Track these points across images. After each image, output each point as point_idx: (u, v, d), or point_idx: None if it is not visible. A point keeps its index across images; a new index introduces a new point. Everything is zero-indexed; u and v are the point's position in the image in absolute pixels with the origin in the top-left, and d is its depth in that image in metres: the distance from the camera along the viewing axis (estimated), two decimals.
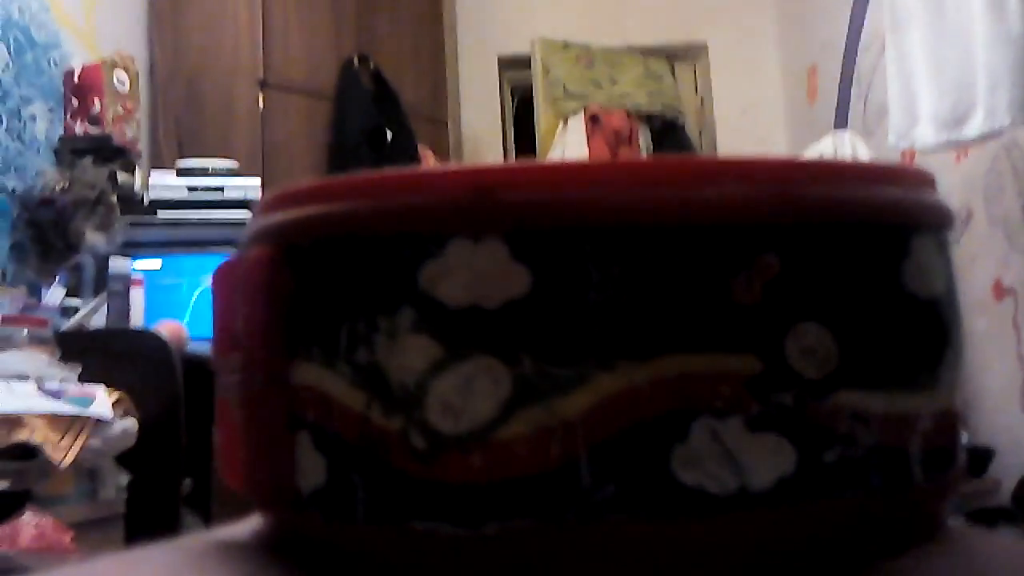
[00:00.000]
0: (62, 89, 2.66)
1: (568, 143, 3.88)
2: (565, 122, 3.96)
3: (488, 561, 0.25)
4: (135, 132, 2.81)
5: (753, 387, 0.25)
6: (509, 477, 0.24)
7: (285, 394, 0.27)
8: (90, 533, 1.56)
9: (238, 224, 2.48)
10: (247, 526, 0.31)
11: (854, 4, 3.36)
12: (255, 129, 3.16)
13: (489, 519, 0.24)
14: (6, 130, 2.41)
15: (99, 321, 2.22)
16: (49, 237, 2.32)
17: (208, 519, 1.85)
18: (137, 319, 2.27)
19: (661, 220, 0.25)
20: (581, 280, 0.24)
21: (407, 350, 0.25)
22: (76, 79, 2.67)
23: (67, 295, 2.25)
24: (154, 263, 2.50)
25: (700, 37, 4.23)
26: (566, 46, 4.04)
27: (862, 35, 3.32)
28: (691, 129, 4.23)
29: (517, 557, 0.24)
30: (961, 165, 2.71)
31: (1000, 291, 2.62)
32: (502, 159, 4.15)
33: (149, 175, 2.71)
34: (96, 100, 2.65)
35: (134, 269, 2.32)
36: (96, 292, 2.31)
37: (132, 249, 2.43)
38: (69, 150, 2.51)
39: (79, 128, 2.64)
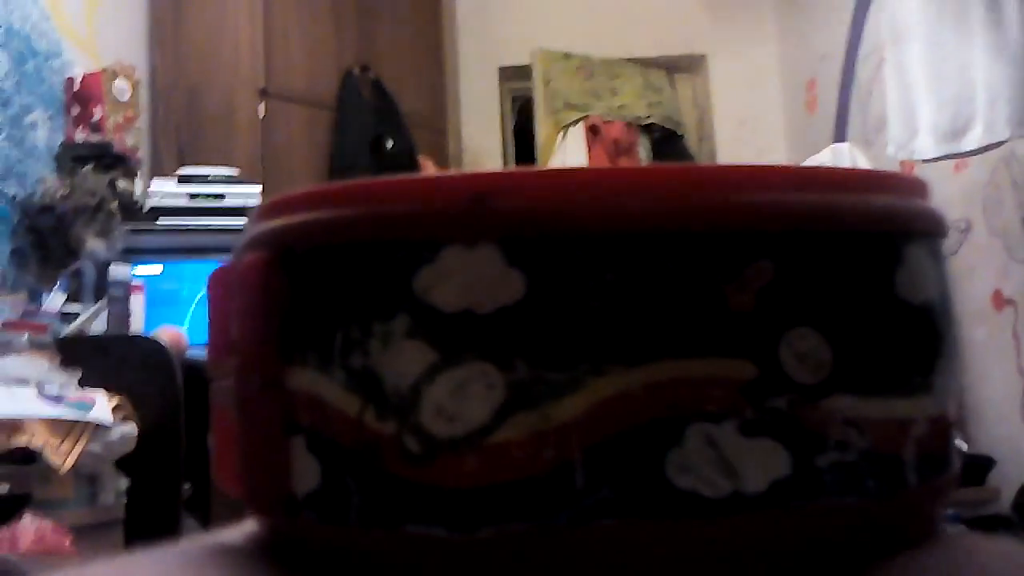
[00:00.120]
0: (63, 97, 2.67)
1: (568, 154, 3.89)
2: (565, 133, 3.97)
3: (482, 565, 0.25)
4: (136, 140, 2.81)
5: (747, 392, 0.25)
6: (503, 481, 0.24)
7: (280, 399, 0.27)
8: (89, 537, 1.56)
9: (238, 231, 2.47)
10: (242, 530, 0.31)
11: (853, 16, 3.37)
12: (256, 138, 3.16)
13: (483, 523, 0.24)
14: (7, 137, 2.42)
15: (99, 327, 2.22)
16: (49, 243, 2.32)
17: (207, 524, 1.84)
18: (137, 325, 2.27)
19: (655, 226, 0.25)
20: (575, 286, 0.24)
21: (402, 355, 0.25)
22: (77, 87, 2.67)
23: (67, 301, 2.25)
24: (154, 269, 2.50)
25: (700, 49, 4.25)
26: (566, 57, 4.05)
27: (861, 47, 3.33)
28: (690, 141, 4.24)
29: (511, 561, 0.25)
30: (960, 176, 2.72)
31: (1000, 301, 2.62)
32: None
33: (150, 183, 2.71)
34: (97, 108, 2.65)
35: (134, 275, 2.33)
36: (96, 298, 2.31)
37: (132, 255, 2.44)
38: (70, 157, 2.51)
39: (80, 136, 2.64)
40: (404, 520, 0.25)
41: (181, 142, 3.11)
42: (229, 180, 2.74)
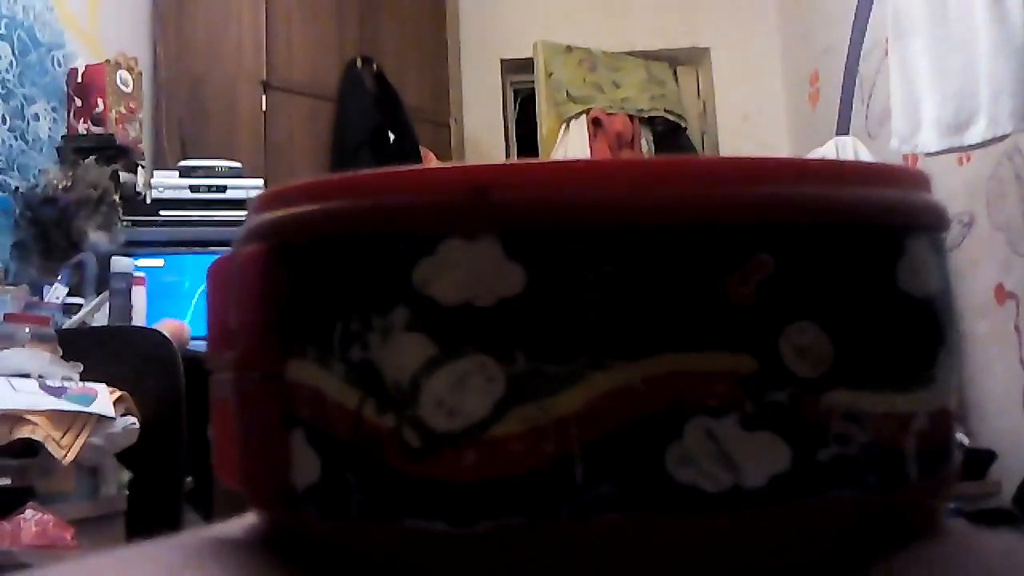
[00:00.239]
0: (65, 89, 2.67)
1: (570, 146, 3.89)
2: (567, 125, 3.96)
3: (481, 559, 0.25)
4: (138, 132, 2.81)
5: (748, 386, 0.25)
6: (502, 475, 0.24)
7: (279, 392, 0.27)
8: (91, 530, 1.56)
9: (240, 224, 2.48)
10: (243, 523, 0.31)
11: (857, 9, 3.36)
12: (258, 130, 3.16)
13: (482, 517, 0.24)
14: (9, 129, 2.42)
15: (101, 319, 2.23)
16: (52, 236, 2.32)
17: (209, 517, 1.85)
18: (139, 318, 2.27)
19: (656, 219, 0.25)
20: (575, 279, 0.24)
21: (401, 348, 0.25)
22: (80, 79, 2.67)
23: (69, 293, 2.25)
24: (156, 262, 2.51)
25: (703, 42, 4.24)
26: (569, 49, 4.05)
27: (864, 41, 3.32)
28: (693, 134, 4.23)
29: (510, 555, 0.25)
30: (963, 170, 2.71)
31: (1002, 295, 2.61)
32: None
33: (152, 175, 2.71)
34: (99, 100, 2.65)
35: (136, 268, 2.33)
36: (98, 291, 2.32)
37: (134, 248, 2.44)
38: (72, 149, 2.51)
39: (82, 128, 2.64)
40: (404, 514, 0.25)
41: (183, 134, 3.11)
42: (231, 172, 2.74)
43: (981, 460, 2.53)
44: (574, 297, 0.24)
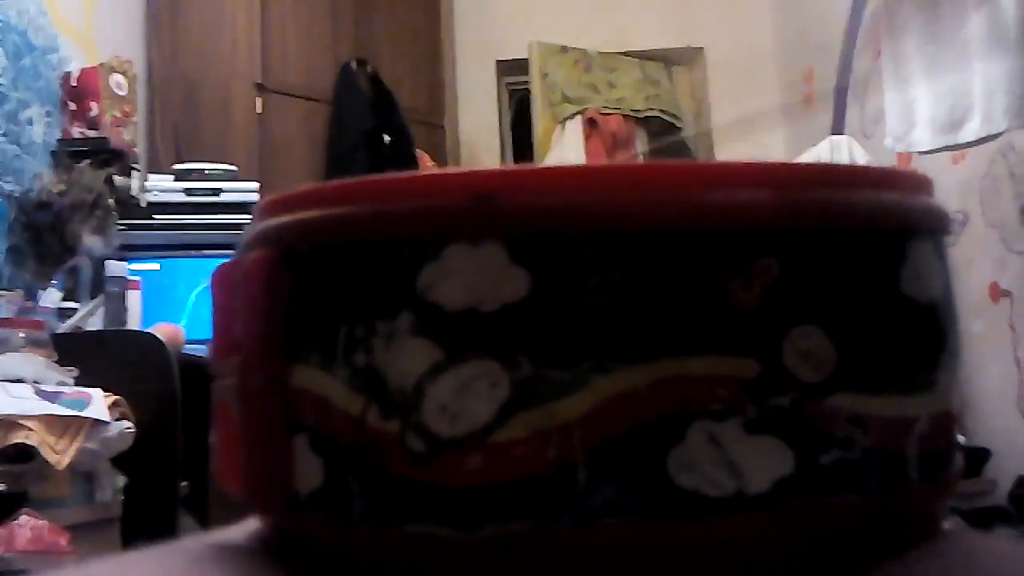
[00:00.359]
0: (60, 93, 2.66)
1: (566, 147, 3.89)
2: (563, 126, 3.96)
3: (485, 564, 0.25)
4: (132, 136, 2.81)
5: (750, 390, 0.25)
6: (506, 480, 0.24)
7: (283, 397, 0.27)
8: (87, 536, 1.56)
9: (236, 227, 2.48)
10: (244, 529, 0.31)
11: (851, 9, 3.36)
12: (253, 133, 3.16)
13: (486, 522, 0.24)
14: (3, 133, 2.41)
15: (96, 323, 2.22)
16: (46, 240, 2.32)
17: (205, 522, 1.84)
18: (134, 322, 2.27)
19: (660, 224, 0.25)
20: (579, 284, 0.24)
21: (405, 353, 0.25)
22: (74, 83, 2.66)
23: (64, 298, 2.25)
24: (151, 266, 2.50)
25: (697, 42, 4.24)
26: (564, 50, 4.05)
27: (858, 40, 3.33)
28: (688, 133, 4.23)
29: (514, 560, 0.25)
30: (958, 168, 2.72)
31: (996, 293, 2.62)
32: (499, 163, 4.15)
33: (146, 178, 2.70)
34: (94, 104, 2.65)
35: (131, 272, 2.32)
36: (93, 295, 2.31)
37: (129, 252, 2.43)
38: (66, 153, 2.51)
39: (76, 131, 2.63)
40: (407, 519, 0.25)
41: (178, 137, 3.10)
42: (226, 175, 2.73)
43: (976, 458, 2.54)
44: (578, 302, 0.24)
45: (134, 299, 2.29)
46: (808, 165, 0.27)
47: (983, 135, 2.21)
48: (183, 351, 2.01)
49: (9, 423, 1.51)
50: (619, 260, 0.24)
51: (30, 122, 2.52)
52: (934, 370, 0.27)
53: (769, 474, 0.25)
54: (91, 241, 2.30)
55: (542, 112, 3.95)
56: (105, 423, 1.61)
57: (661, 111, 4.14)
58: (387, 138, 3.36)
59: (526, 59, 3.99)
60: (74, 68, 2.69)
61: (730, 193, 0.25)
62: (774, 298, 0.25)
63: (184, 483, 1.81)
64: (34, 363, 1.69)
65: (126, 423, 1.66)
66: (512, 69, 4.20)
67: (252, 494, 0.28)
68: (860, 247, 0.26)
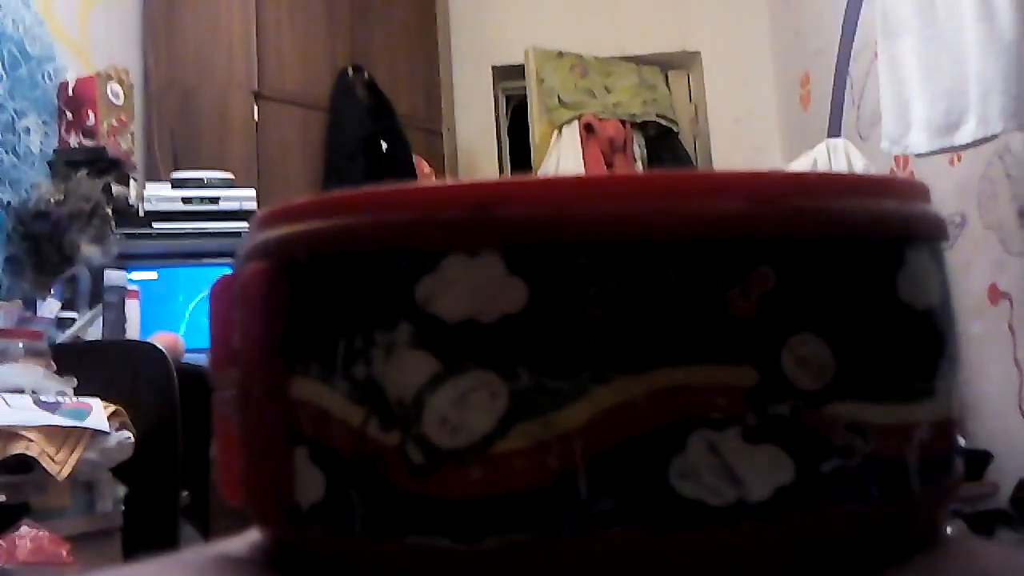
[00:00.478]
0: (56, 102, 2.66)
1: (562, 152, 3.89)
2: (559, 131, 3.97)
3: (486, 575, 0.25)
4: (130, 144, 2.81)
5: (750, 399, 0.25)
6: (507, 491, 0.24)
7: (283, 409, 0.27)
8: (87, 546, 1.55)
9: (233, 235, 2.48)
10: (246, 540, 0.31)
11: (846, 11, 3.37)
12: (250, 140, 3.16)
13: (487, 533, 0.24)
14: (0, 143, 2.41)
15: (95, 333, 2.22)
16: (44, 250, 2.32)
17: (206, 532, 1.84)
18: (133, 331, 2.27)
19: (657, 234, 0.25)
20: (578, 294, 0.24)
21: (404, 365, 0.25)
22: (70, 92, 2.67)
23: (63, 307, 2.24)
24: (150, 275, 2.50)
25: (693, 46, 4.25)
26: (560, 55, 4.05)
27: (854, 42, 3.34)
28: (685, 138, 4.24)
29: (516, 571, 0.25)
30: (955, 170, 2.72)
31: (995, 295, 2.62)
32: (497, 168, 4.15)
33: (144, 187, 2.70)
34: (90, 113, 2.65)
35: (130, 281, 2.32)
36: (92, 304, 2.31)
37: (127, 261, 2.43)
38: (64, 163, 2.51)
39: (74, 141, 2.64)
40: (408, 531, 0.25)
41: (175, 146, 3.10)
42: (223, 183, 2.73)
43: (977, 461, 2.53)
44: (577, 312, 0.24)
45: (133, 308, 2.29)
46: (804, 173, 0.27)
47: (979, 137, 2.21)
48: (182, 360, 2.01)
49: (9, 434, 1.50)
50: (617, 270, 0.24)
51: (27, 132, 2.53)
52: (933, 377, 0.27)
53: (769, 483, 0.25)
54: (89, 250, 2.30)
55: (539, 117, 3.95)
56: (105, 433, 1.60)
57: (658, 115, 4.14)
58: (384, 145, 3.36)
59: (522, 65, 4.00)
60: (70, 77, 2.69)
61: (727, 202, 0.25)
62: (772, 306, 0.25)
63: (185, 493, 1.81)
64: (33, 373, 1.69)
65: (126, 433, 1.66)
66: (508, 75, 4.20)
67: (253, 506, 0.28)
68: (857, 255, 0.26)
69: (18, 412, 1.54)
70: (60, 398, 1.63)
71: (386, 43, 3.67)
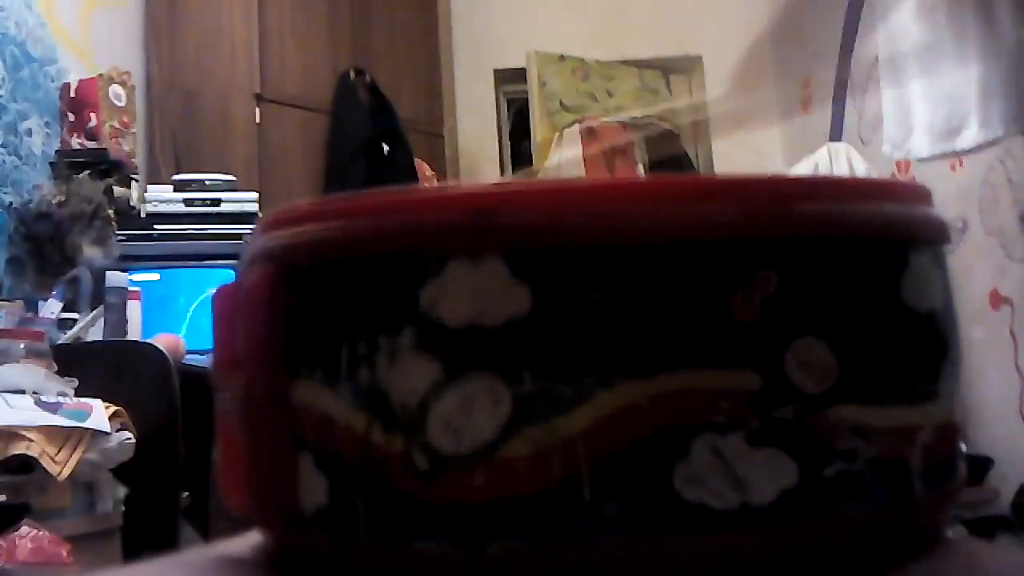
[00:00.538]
0: (58, 104, 2.66)
1: (564, 155, 3.89)
2: (561, 134, 3.97)
3: None
4: (132, 146, 2.81)
5: (753, 402, 0.25)
6: (511, 496, 0.24)
7: (286, 414, 0.27)
8: (88, 547, 1.55)
9: (235, 237, 2.48)
10: (247, 541, 0.31)
11: (847, 16, 3.37)
12: (252, 143, 3.16)
13: (492, 538, 0.24)
14: (2, 145, 2.42)
15: (96, 334, 2.22)
16: (46, 251, 2.32)
17: (206, 533, 1.84)
18: (134, 332, 2.27)
19: (660, 238, 0.25)
20: (581, 298, 0.24)
21: (408, 370, 0.25)
22: (73, 93, 2.67)
23: (64, 309, 2.24)
24: (151, 276, 2.50)
25: (695, 50, 4.25)
26: (562, 59, 4.05)
27: (855, 47, 3.34)
28: (686, 142, 4.24)
29: None
30: (956, 175, 2.72)
31: (997, 300, 2.62)
32: (498, 172, 4.15)
33: (146, 189, 2.71)
34: (92, 114, 2.65)
35: (131, 282, 2.32)
36: (93, 305, 2.31)
37: (129, 262, 2.43)
38: (66, 164, 2.51)
39: (75, 142, 2.64)
40: (412, 536, 0.25)
41: (177, 148, 3.10)
42: (225, 186, 2.74)
43: (978, 467, 2.53)
44: (581, 317, 0.24)
45: (134, 310, 2.29)
46: (807, 177, 0.27)
47: (981, 141, 2.21)
48: (184, 361, 2.01)
49: (10, 434, 1.50)
50: (620, 275, 0.24)
51: (29, 133, 2.53)
52: (935, 380, 0.27)
53: (773, 486, 0.25)
54: (91, 252, 2.30)
55: (540, 121, 3.96)
56: (106, 434, 1.60)
57: (659, 120, 4.14)
58: (386, 147, 3.36)
59: (524, 68, 4.00)
60: (73, 79, 2.70)
61: (729, 206, 0.25)
62: (775, 310, 0.25)
63: (185, 494, 1.81)
64: (34, 374, 1.69)
65: (127, 434, 1.66)
66: (510, 78, 4.20)
67: (256, 511, 0.28)
68: (860, 258, 0.26)
69: (19, 412, 1.54)
70: (61, 399, 1.63)
71: (388, 46, 3.67)
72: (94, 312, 2.26)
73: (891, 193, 0.28)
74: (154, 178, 2.96)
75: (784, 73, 4.11)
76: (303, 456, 0.26)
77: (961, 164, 2.67)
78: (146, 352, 1.91)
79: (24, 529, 1.45)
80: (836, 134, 3.48)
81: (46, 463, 1.49)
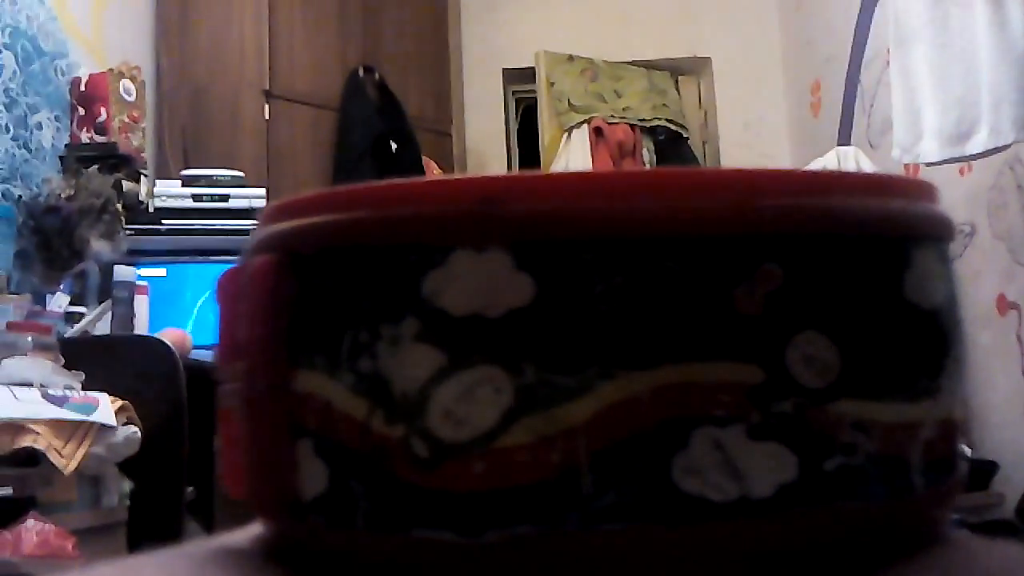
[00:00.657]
0: (68, 98, 2.67)
1: (571, 155, 3.89)
2: (569, 135, 3.97)
3: (490, 569, 0.25)
4: (141, 141, 2.82)
5: (754, 396, 0.25)
6: (511, 485, 0.24)
7: (287, 402, 0.27)
8: (93, 540, 1.56)
9: (243, 233, 2.49)
10: (249, 533, 0.31)
11: (858, 19, 3.36)
12: (260, 139, 3.17)
13: (491, 527, 0.24)
14: (13, 138, 2.42)
15: (103, 328, 2.23)
16: (54, 244, 2.32)
17: (211, 527, 1.84)
18: (141, 327, 2.27)
19: (664, 230, 0.25)
20: (584, 290, 0.24)
21: (410, 359, 0.25)
22: (83, 88, 2.68)
23: (71, 302, 2.25)
24: (159, 271, 2.51)
25: (704, 51, 4.24)
26: (570, 59, 4.05)
27: (866, 50, 3.33)
28: (694, 143, 4.24)
29: (519, 565, 0.25)
30: (965, 180, 2.71)
31: (1004, 305, 2.61)
32: (506, 171, 4.15)
33: (154, 184, 2.71)
34: (102, 109, 2.66)
35: (139, 277, 2.33)
36: (100, 300, 2.31)
37: (137, 257, 2.44)
38: (75, 158, 2.51)
39: (85, 136, 2.65)
40: (412, 524, 0.25)
41: (186, 143, 3.11)
42: (233, 182, 2.74)
43: (983, 471, 2.52)
44: (583, 308, 0.24)
45: (141, 304, 2.29)
46: (812, 171, 0.27)
47: (991, 147, 2.20)
48: (190, 356, 2.02)
49: (16, 427, 1.51)
50: (624, 266, 0.24)
51: (39, 127, 2.54)
52: (938, 376, 0.27)
53: (773, 480, 0.25)
54: (99, 246, 2.31)
55: (548, 121, 3.96)
56: (112, 428, 1.61)
57: (667, 120, 4.14)
58: (394, 145, 3.37)
59: (533, 68, 4.00)
60: (83, 73, 2.71)
61: (734, 199, 0.25)
62: (778, 304, 0.25)
63: (190, 488, 1.81)
64: (41, 367, 1.70)
65: (133, 428, 1.66)
66: (519, 78, 4.21)
67: (256, 499, 0.29)
68: (864, 253, 0.26)
69: (26, 405, 1.55)
70: (68, 392, 1.64)
71: (397, 44, 3.68)
72: (101, 306, 2.27)
73: (896, 189, 0.28)
74: (163, 173, 2.97)
75: (793, 76, 4.10)
76: (303, 443, 0.27)
77: (970, 169, 2.67)
78: (153, 347, 1.91)
79: (30, 522, 1.45)
80: (844, 138, 3.47)
81: (52, 456, 1.50)
